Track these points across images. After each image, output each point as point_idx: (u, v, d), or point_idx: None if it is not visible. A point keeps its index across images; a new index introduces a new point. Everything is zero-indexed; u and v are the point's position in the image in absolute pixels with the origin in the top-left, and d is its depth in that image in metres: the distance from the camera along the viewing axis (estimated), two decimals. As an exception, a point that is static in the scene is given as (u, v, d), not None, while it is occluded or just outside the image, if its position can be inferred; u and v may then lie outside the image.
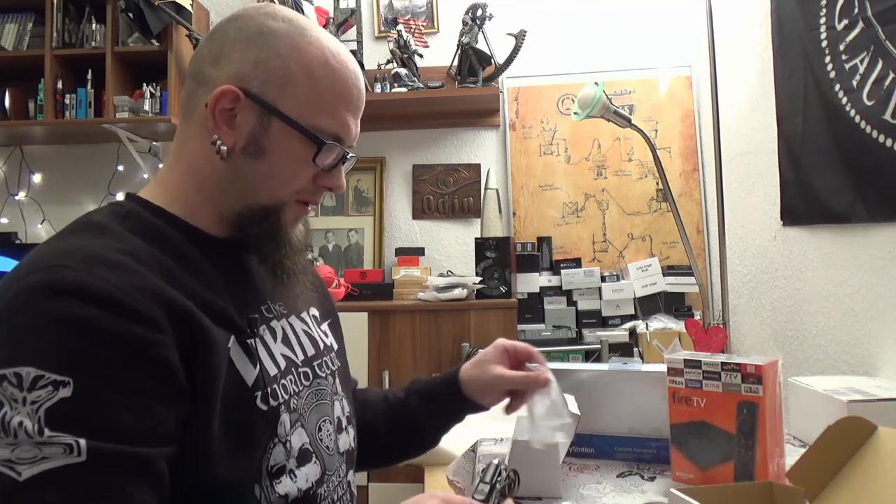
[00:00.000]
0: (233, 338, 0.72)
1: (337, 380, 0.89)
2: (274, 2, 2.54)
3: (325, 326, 0.93)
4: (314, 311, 0.92)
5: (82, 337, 0.59)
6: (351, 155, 0.81)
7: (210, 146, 0.75)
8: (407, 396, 1.02)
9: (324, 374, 0.86)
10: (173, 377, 0.63)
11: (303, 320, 0.87)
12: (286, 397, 0.76)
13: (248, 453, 0.69)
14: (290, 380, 0.78)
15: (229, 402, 0.68)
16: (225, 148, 0.74)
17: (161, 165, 2.83)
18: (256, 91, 0.74)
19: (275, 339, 0.79)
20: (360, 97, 0.80)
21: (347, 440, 0.87)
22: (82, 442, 0.56)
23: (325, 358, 0.88)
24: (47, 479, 0.55)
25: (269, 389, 0.73)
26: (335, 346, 0.93)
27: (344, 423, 0.87)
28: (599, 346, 2.36)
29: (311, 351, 0.85)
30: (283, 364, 0.78)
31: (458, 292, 2.39)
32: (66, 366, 0.57)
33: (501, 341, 1.00)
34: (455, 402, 1.00)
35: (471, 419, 1.02)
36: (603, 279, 2.61)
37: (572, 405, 1.07)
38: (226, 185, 0.76)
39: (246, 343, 0.73)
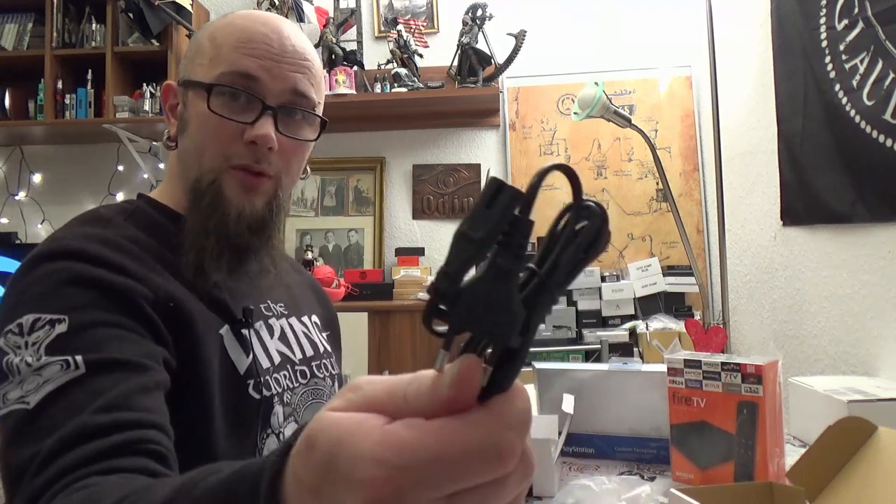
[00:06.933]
0: (226, 326, 0.75)
1: (336, 384, 0.91)
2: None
3: (325, 334, 0.95)
4: (315, 318, 0.93)
5: (73, 284, 0.64)
6: (270, 105, 0.74)
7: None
8: None
9: (322, 376, 0.87)
10: (154, 324, 0.67)
11: (304, 323, 0.89)
12: (279, 390, 0.78)
13: (242, 440, 0.72)
14: (284, 375, 0.80)
15: (224, 386, 0.71)
16: (167, 138, 0.80)
17: (161, 165, 2.85)
18: (182, 76, 0.79)
19: (271, 335, 0.81)
20: (270, 42, 0.75)
21: None
22: (79, 357, 0.59)
23: (324, 360, 0.89)
24: (53, 398, 0.58)
25: (261, 380, 0.75)
26: (334, 355, 0.95)
27: None
28: (599, 346, 2.36)
29: (309, 352, 0.87)
30: (277, 359, 0.80)
31: (458, 292, 2.39)
32: (60, 307, 0.63)
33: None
34: None
35: None
36: (603, 279, 2.61)
37: (567, 404, 1.07)
38: (179, 172, 0.80)
39: (240, 332, 0.76)
